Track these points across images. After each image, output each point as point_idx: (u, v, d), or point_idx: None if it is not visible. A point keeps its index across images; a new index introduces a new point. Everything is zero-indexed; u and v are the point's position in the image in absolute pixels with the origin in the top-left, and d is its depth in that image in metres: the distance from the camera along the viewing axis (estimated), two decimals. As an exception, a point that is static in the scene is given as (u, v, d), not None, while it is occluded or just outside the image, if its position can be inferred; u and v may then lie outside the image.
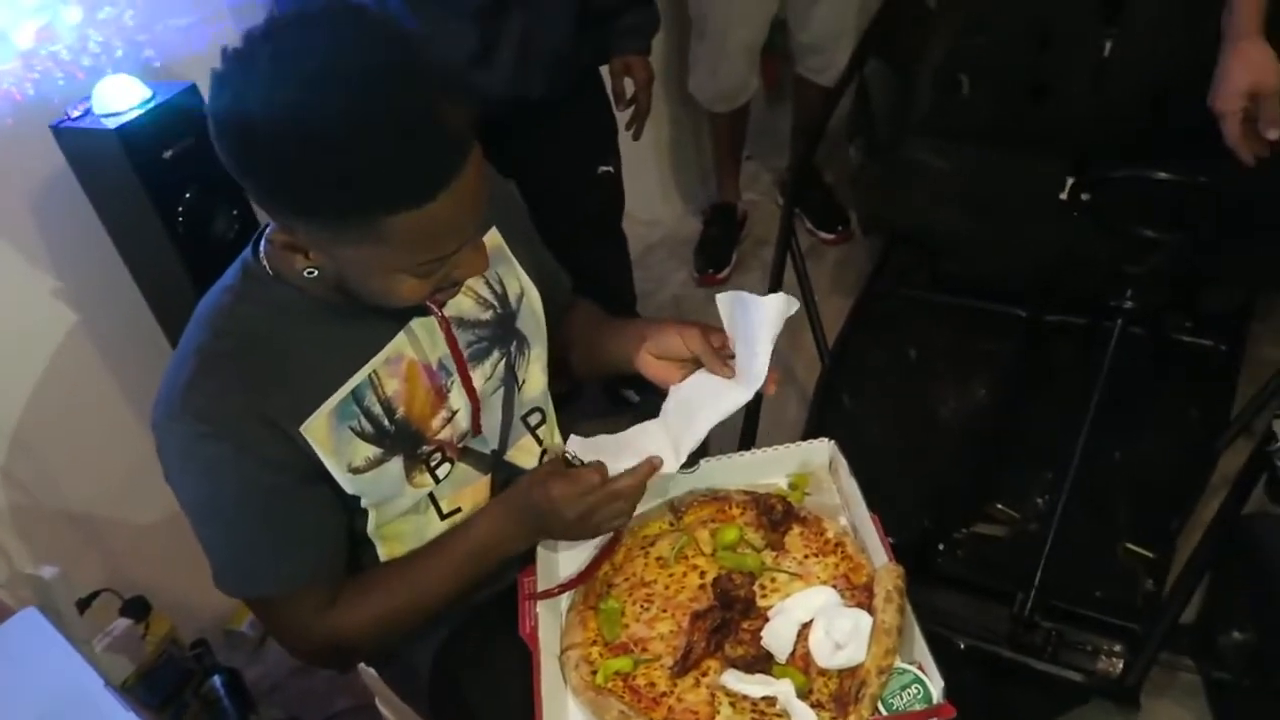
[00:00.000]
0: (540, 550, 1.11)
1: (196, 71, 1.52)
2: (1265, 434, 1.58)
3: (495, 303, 1.12)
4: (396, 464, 1.02)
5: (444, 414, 1.06)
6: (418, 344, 1.03)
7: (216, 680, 1.75)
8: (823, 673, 0.95)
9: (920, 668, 0.93)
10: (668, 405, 1.11)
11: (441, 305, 1.02)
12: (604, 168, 1.99)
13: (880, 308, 2.22)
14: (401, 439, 1.02)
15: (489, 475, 1.13)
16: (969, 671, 1.47)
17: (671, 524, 1.15)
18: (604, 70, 1.96)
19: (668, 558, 1.10)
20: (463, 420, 1.07)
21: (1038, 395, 1.92)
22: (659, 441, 1.07)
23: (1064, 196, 1.93)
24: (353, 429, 0.99)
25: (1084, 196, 1.90)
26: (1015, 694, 1.52)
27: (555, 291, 1.23)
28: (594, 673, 1.00)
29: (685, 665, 0.98)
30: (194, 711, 1.76)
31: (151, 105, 1.44)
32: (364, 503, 1.02)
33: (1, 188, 1.49)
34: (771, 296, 1.07)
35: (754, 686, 0.94)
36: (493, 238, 1.11)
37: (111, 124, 1.41)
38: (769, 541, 1.10)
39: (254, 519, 0.97)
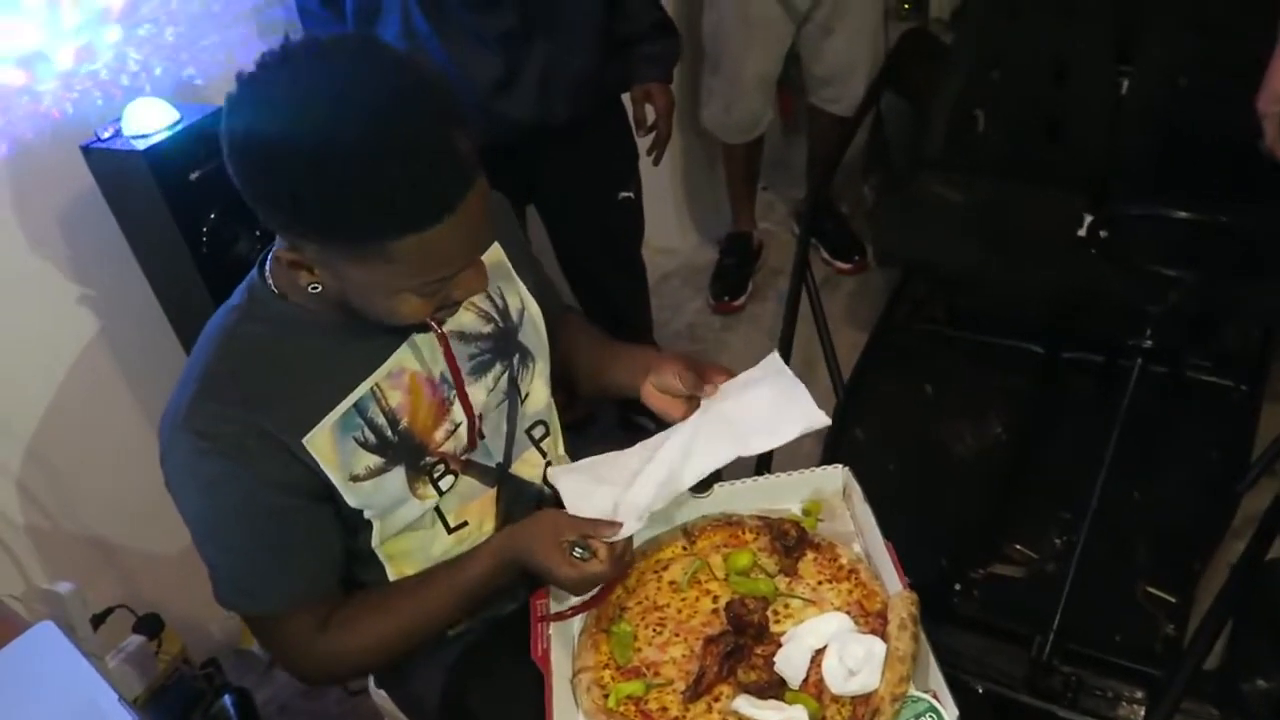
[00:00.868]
0: (552, 574, 1.11)
1: (226, 91, 1.54)
2: (1289, 477, 1.57)
3: (496, 316, 1.13)
4: (399, 474, 1.03)
5: (447, 426, 1.07)
6: (419, 358, 1.04)
7: (227, 700, 1.74)
8: (836, 699, 0.95)
9: (935, 696, 0.92)
10: (666, 445, 1.12)
11: (441, 324, 1.04)
12: (624, 194, 2.00)
13: (896, 341, 2.22)
14: (404, 450, 1.03)
15: (495, 489, 1.14)
16: (986, 717, 1.45)
17: (684, 548, 1.15)
18: (626, 97, 1.98)
19: (680, 582, 1.10)
20: (465, 433, 1.08)
21: (1054, 433, 1.90)
22: (630, 485, 1.08)
23: (1083, 233, 1.93)
24: (356, 439, 1.00)
25: (1102, 233, 1.90)
26: (1034, 740, 1.50)
27: (551, 306, 1.24)
28: (606, 696, 0.99)
29: (698, 690, 0.98)
30: (203, 731, 1.76)
31: (179, 128, 1.47)
32: (368, 514, 1.03)
33: (33, 205, 1.52)
34: (815, 410, 1.10)
35: (767, 713, 0.93)
36: (494, 253, 1.13)
37: (140, 145, 1.44)
38: (782, 567, 1.10)
39: (251, 537, 0.98)
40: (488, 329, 1.11)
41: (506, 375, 1.13)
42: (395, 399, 1.02)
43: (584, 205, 1.96)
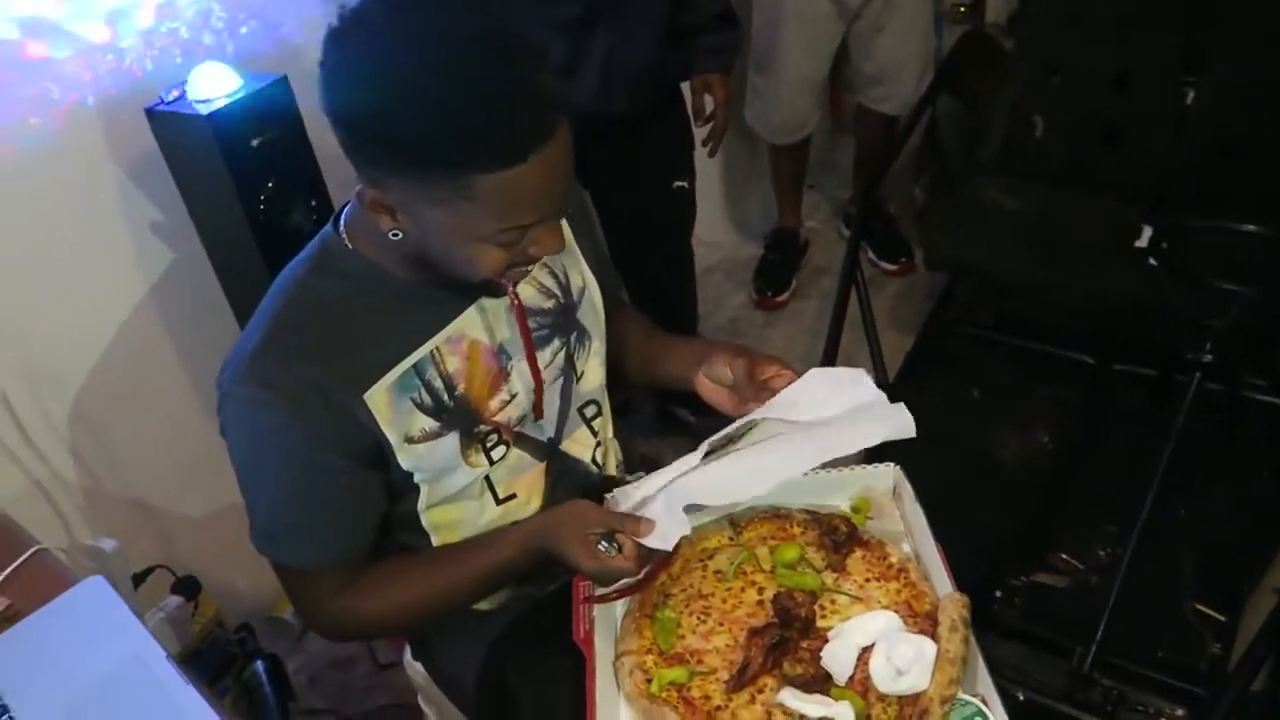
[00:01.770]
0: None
1: (289, 60, 1.56)
2: (1344, 498, 1.54)
3: (558, 292, 1.13)
4: (452, 440, 1.03)
5: (503, 396, 1.07)
6: (481, 325, 1.05)
7: (259, 666, 1.76)
8: (882, 698, 0.93)
9: (984, 700, 0.90)
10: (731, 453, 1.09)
11: (514, 284, 1.05)
12: (679, 183, 2.00)
13: (942, 345, 2.20)
14: (459, 416, 1.04)
15: (544, 463, 1.14)
16: (1025, 725, 1.43)
17: (730, 538, 1.13)
18: (685, 86, 1.98)
19: (726, 572, 1.09)
20: (521, 404, 1.08)
21: (1102, 445, 1.87)
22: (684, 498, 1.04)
23: (1142, 243, 1.90)
24: (413, 400, 1.00)
25: (1164, 245, 1.87)
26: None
27: (609, 289, 1.24)
28: (649, 681, 0.98)
29: (741, 680, 0.97)
30: (234, 696, 1.78)
31: (243, 94, 1.48)
32: (417, 478, 1.03)
33: (94, 164, 1.54)
34: (905, 416, 1.07)
35: (811, 706, 0.92)
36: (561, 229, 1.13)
37: (204, 110, 1.45)
38: (830, 563, 1.08)
39: (292, 492, 1.00)
40: (549, 304, 1.11)
41: (564, 352, 1.13)
42: (453, 364, 1.03)
43: (638, 193, 1.96)
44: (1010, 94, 2.27)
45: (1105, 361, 1.99)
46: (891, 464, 1.17)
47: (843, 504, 1.16)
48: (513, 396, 1.08)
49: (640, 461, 1.25)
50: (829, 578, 1.07)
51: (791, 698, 0.94)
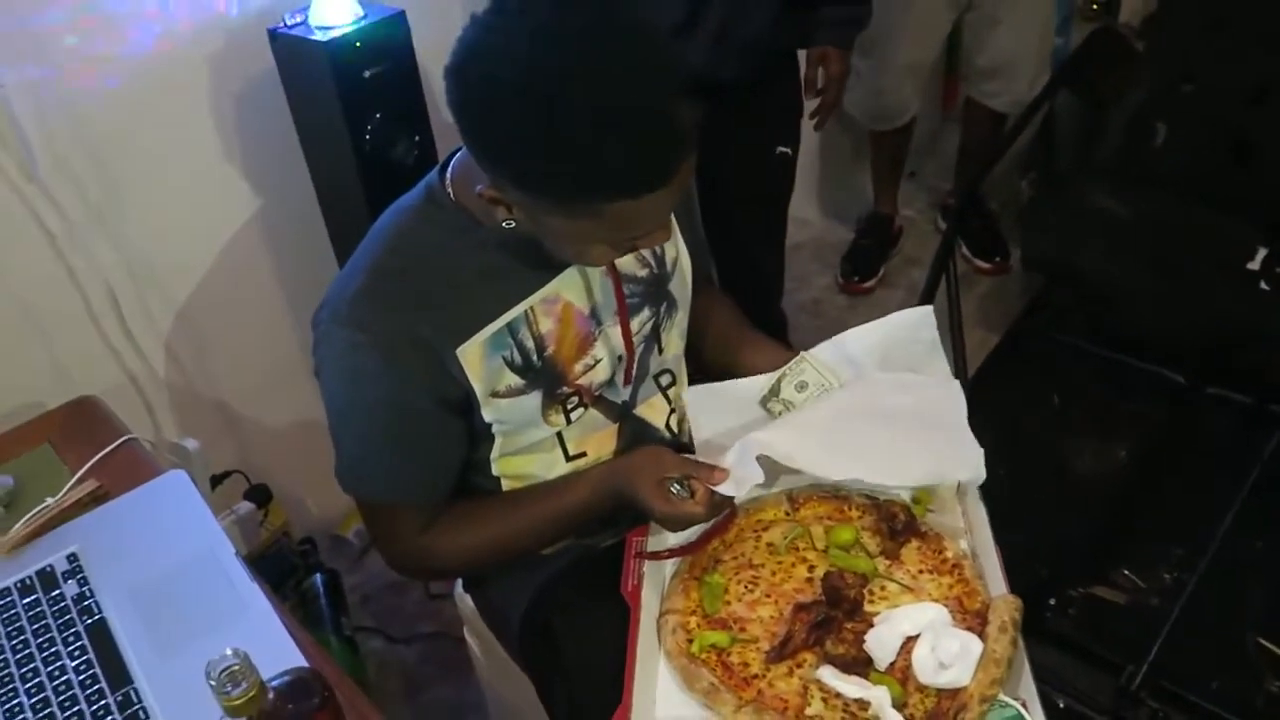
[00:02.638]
0: (654, 513, 1.12)
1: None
2: None
3: (653, 263, 1.14)
4: (535, 398, 1.05)
5: (587, 360, 1.08)
6: (576, 289, 1.06)
7: (317, 579, 1.83)
8: (921, 689, 0.93)
9: (1024, 705, 0.89)
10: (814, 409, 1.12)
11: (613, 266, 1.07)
12: (782, 149, 1.97)
13: (1028, 347, 2.14)
14: (545, 376, 1.05)
15: (617, 425, 1.16)
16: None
17: (787, 513, 1.14)
18: (801, 53, 1.94)
19: (778, 545, 1.09)
20: (603, 370, 1.10)
21: (1183, 467, 1.81)
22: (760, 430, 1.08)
23: (1254, 266, 1.82)
24: (504, 358, 1.02)
25: (1277, 269, 1.79)
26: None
27: (699, 264, 1.24)
28: (690, 641, 0.99)
29: (782, 653, 0.97)
30: (292, 604, 1.85)
31: (362, 24, 1.50)
32: (496, 429, 1.06)
33: (216, 78, 1.59)
34: (980, 463, 1.10)
35: (849, 686, 0.92)
36: None
37: (322, 37, 1.48)
38: (884, 549, 1.08)
39: (382, 432, 1.02)
40: (643, 273, 1.12)
41: (653, 322, 1.14)
42: (546, 325, 1.04)
43: (740, 156, 1.94)
44: (1135, 97, 2.19)
45: (1197, 382, 1.92)
46: (959, 460, 1.15)
47: (904, 494, 1.15)
48: (597, 362, 1.09)
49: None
50: (881, 564, 1.07)
51: (830, 675, 0.94)
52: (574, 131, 0.80)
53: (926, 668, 0.92)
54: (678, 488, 1.02)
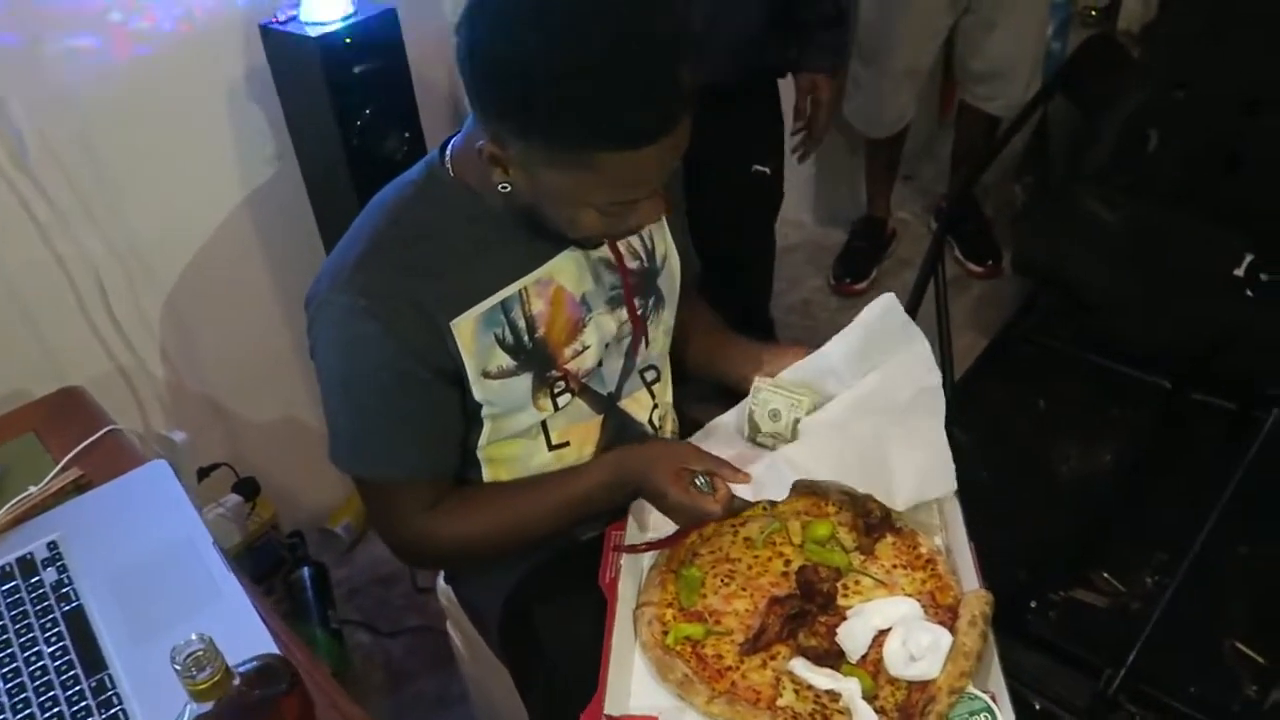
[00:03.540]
0: (633, 507, 1.13)
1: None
2: None
3: (643, 256, 1.15)
4: (526, 380, 1.06)
5: (576, 346, 1.09)
6: (569, 274, 1.07)
7: (305, 572, 1.84)
8: (891, 681, 0.94)
9: (993, 698, 0.90)
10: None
11: (614, 241, 1.08)
12: (759, 167, 1.98)
13: (1017, 351, 2.15)
14: (536, 358, 1.06)
15: (601, 417, 1.16)
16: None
17: (765, 508, 1.14)
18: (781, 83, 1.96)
19: (755, 539, 1.10)
20: (590, 357, 1.10)
21: (1167, 472, 1.82)
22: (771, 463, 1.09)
23: (1240, 272, 1.83)
24: (496, 335, 1.03)
25: (1263, 276, 1.80)
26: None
27: (687, 264, 1.25)
28: (665, 633, 1.00)
29: (756, 645, 0.98)
30: (278, 596, 1.86)
31: (352, 21, 1.51)
32: (485, 412, 1.06)
33: (208, 72, 1.60)
34: (953, 478, 1.09)
35: (820, 678, 0.93)
36: None
37: (314, 33, 1.49)
38: (859, 545, 1.09)
39: (384, 401, 1.02)
40: (633, 265, 1.13)
41: (640, 314, 1.15)
42: (538, 306, 1.05)
43: (716, 174, 1.95)
44: (1129, 104, 2.19)
45: (1182, 388, 1.93)
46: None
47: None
48: (585, 348, 1.09)
49: (695, 428, 1.26)
50: (856, 559, 1.08)
51: (802, 667, 0.95)
52: (580, 77, 0.82)
53: (897, 660, 0.93)
54: (701, 481, 1.03)
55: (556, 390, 1.09)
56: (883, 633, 0.97)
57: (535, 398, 1.08)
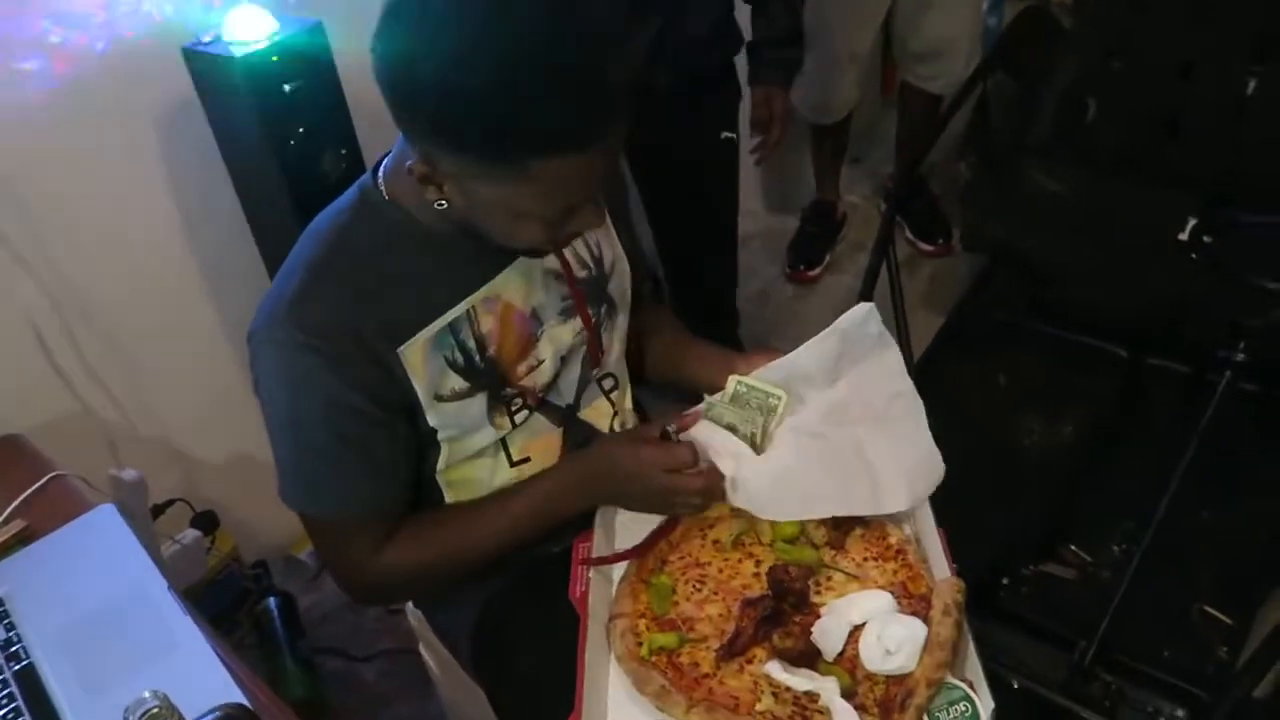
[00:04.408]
0: (599, 518, 1.12)
1: (325, 6, 1.55)
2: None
3: (591, 264, 1.13)
4: (480, 401, 1.04)
5: (530, 361, 1.07)
6: (515, 289, 1.05)
7: (271, 602, 1.81)
8: (869, 676, 0.93)
9: (971, 686, 0.90)
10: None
11: (559, 252, 1.07)
12: (727, 134, 2.00)
13: (973, 328, 2.17)
14: (488, 377, 1.04)
15: (561, 430, 1.15)
16: (1019, 714, 1.42)
17: (733, 510, 1.13)
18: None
19: (725, 542, 1.09)
20: (546, 371, 1.09)
21: (1129, 440, 1.84)
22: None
23: (1184, 236, 1.85)
24: (446, 359, 1.01)
25: (1206, 239, 1.82)
26: (1065, 745, 1.47)
27: (637, 268, 1.23)
28: (639, 644, 0.99)
29: (732, 649, 0.97)
30: (245, 630, 1.82)
31: (278, 39, 1.48)
32: (440, 435, 1.04)
33: (132, 101, 1.56)
34: (939, 461, 1.09)
35: (798, 679, 0.92)
36: None
37: (239, 52, 1.45)
38: (829, 540, 1.08)
39: (331, 436, 0.99)
40: (582, 274, 1.12)
41: (594, 322, 1.13)
42: (487, 325, 1.03)
43: (684, 142, 1.95)
44: (1066, 75, 2.21)
45: (1139, 355, 1.95)
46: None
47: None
48: (540, 362, 1.08)
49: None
50: (827, 554, 1.07)
51: (779, 670, 0.94)
52: (504, 82, 0.79)
53: (873, 655, 0.93)
54: (670, 429, 1.03)
55: (514, 407, 1.08)
56: (857, 628, 0.96)
57: (492, 416, 1.06)
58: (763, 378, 1.14)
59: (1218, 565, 1.59)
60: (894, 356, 1.14)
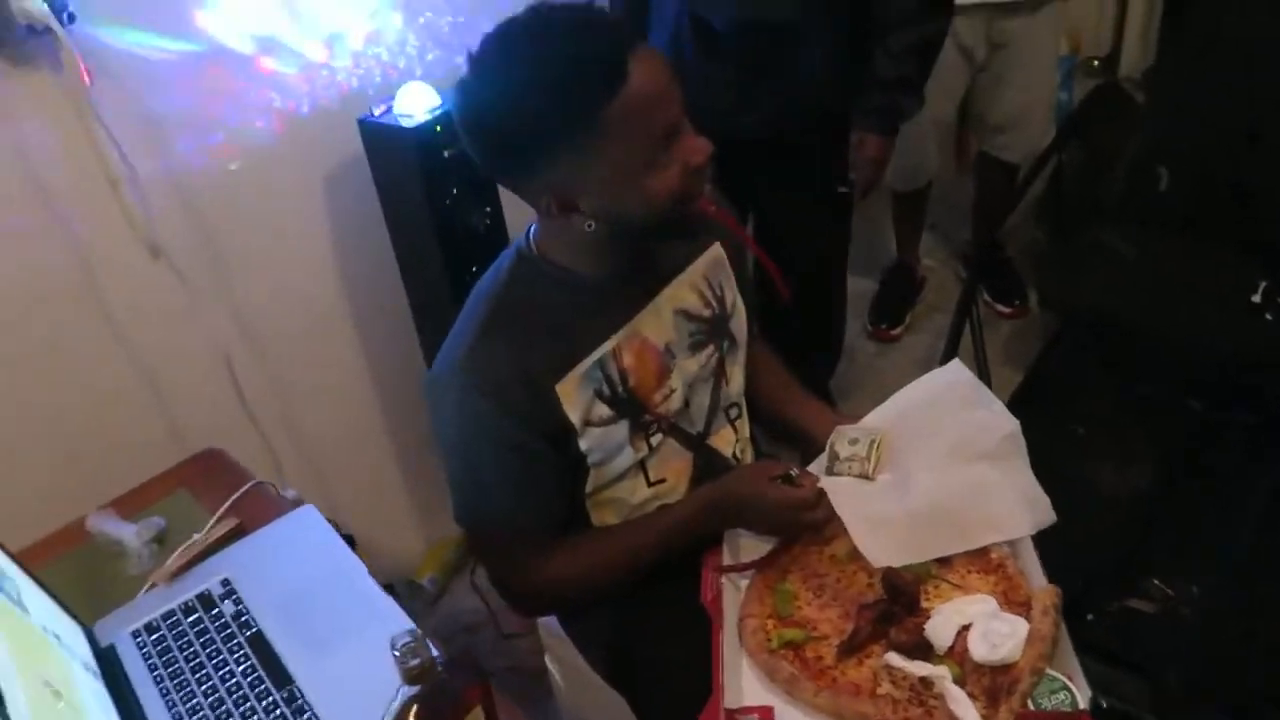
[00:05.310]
0: (728, 534, 1.25)
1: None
2: None
3: (715, 304, 1.29)
4: (623, 427, 1.20)
5: (664, 390, 1.23)
6: (652, 326, 1.22)
7: (400, 621, 1.94)
8: (977, 668, 1.04)
9: (1070, 678, 1.01)
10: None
11: (709, 203, 1.15)
12: (843, 188, 2.05)
13: (1050, 384, 2.25)
14: (630, 406, 1.20)
15: (691, 454, 1.30)
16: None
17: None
18: None
19: (841, 557, 1.21)
20: (677, 399, 1.25)
21: (1205, 488, 1.91)
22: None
23: (1257, 299, 1.94)
24: (596, 391, 1.18)
25: (1278, 301, 1.90)
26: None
27: (753, 311, 1.39)
28: (769, 640, 1.12)
29: (850, 646, 1.09)
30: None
31: (440, 111, 1.70)
32: (590, 460, 1.20)
33: (311, 163, 1.78)
34: (1047, 506, 1.21)
35: (915, 666, 1.05)
36: (716, 250, 1.30)
37: (408, 124, 1.67)
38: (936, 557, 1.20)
39: (501, 468, 1.16)
40: (706, 313, 1.28)
41: (716, 356, 1.30)
42: (627, 360, 1.20)
43: (803, 195, 2.03)
44: (1137, 144, 2.32)
45: (1211, 408, 2.03)
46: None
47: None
48: (672, 391, 1.24)
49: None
50: (933, 567, 1.19)
51: (896, 658, 1.07)
52: (533, 83, 0.99)
53: (980, 649, 1.04)
54: (794, 473, 1.18)
55: (650, 431, 1.23)
56: (965, 628, 1.08)
57: (633, 440, 1.22)
58: (864, 423, 1.29)
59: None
60: (996, 403, 1.27)
